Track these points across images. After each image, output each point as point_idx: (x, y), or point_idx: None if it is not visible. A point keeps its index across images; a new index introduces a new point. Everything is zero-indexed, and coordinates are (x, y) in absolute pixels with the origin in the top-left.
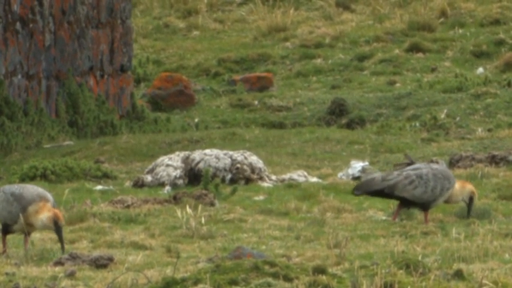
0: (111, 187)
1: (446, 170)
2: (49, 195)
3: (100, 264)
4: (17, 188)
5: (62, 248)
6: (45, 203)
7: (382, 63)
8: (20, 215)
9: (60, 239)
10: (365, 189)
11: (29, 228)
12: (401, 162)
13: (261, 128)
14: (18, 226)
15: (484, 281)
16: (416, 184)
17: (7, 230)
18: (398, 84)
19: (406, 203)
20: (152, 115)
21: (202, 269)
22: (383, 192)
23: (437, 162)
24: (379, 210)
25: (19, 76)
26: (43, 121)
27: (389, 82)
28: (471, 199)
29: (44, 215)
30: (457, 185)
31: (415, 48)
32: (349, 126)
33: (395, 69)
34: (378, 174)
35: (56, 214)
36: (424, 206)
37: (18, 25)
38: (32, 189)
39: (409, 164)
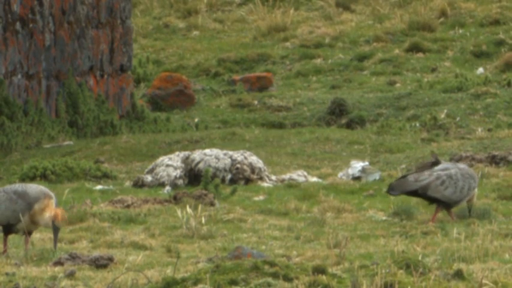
0: (111, 187)
1: (471, 169)
2: (51, 193)
3: (100, 264)
4: (19, 186)
5: (54, 245)
6: (49, 200)
7: (382, 63)
8: (25, 212)
9: (55, 238)
10: (401, 189)
11: (32, 227)
12: (426, 161)
13: (260, 128)
14: (22, 225)
15: (484, 281)
16: (447, 184)
17: (10, 230)
18: (398, 84)
19: (434, 202)
20: (152, 115)
21: (202, 269)
22: (417, 193)
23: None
24: (379, 211)
25: (19, 76)
26: (43, 121)
27: (389, 82)
28: None
29: (50, 213)
30: None
31: (415, 48)
32: (349, 126)
33: (396, 69)
34: (411, 176)
35: (56, 214)
36: (451, 205)
37: (18, 25)
38: (34, 186)
39: (434, 164)
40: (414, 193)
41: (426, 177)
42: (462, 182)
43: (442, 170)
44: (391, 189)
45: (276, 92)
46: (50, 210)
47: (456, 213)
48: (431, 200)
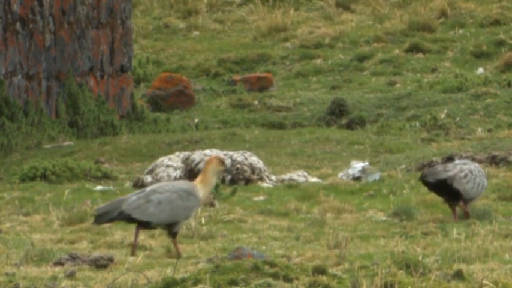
0: (111, 187)
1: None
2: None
3: (100, 264)
4: (178, 184)
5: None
6: (196, 181)
7: (382, 64)
8: (195, 207)
9: (227, 171)
10: (433, 177)
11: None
12: (443, 157)
13: (261, 128)
14: (186, 221)
15: (484, 282)
16: (469, 179)
17: (149, 228)
18: (398, 85)
19: (452, 196)
20: (152, 115)
21: (202, 269)
22: (445, 182)
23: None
24: (379, 211)
25: (19, 76)
26: (43, 121)
27: (389, 82)
28: None
29: (211, 170)
30: None
31: (415, 49)
32: (349, 126)
33: (396, 69)
34: (438, 165)
35: (215, 158)
36: (466, 200)
37: (18, 25)
38: (183, 181)
39: (449, 159)
40: (444, 183)
41: (451, 168)
42: (479, 178)
43: (463, 164)
44: (425, 177)
45: (276, 92)
46: (206, 174)
47: (457, 214)
48: (451, 193)
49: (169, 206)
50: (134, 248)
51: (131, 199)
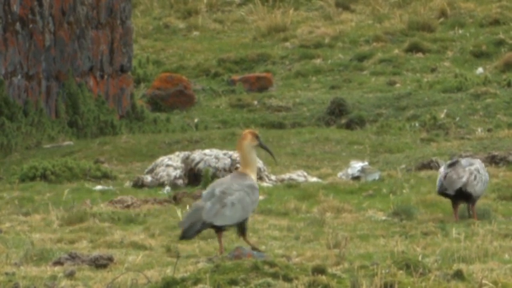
0: (111, 187)
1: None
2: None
3: (100, 264)
4: (239, 179)
5: (274, 157)
6: (241, 168)
7: (382, 63)
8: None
9: (267, 150)
10: (452, 187)
11: None
12: (449, 163)
13: (260, 128)
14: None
15: (484, 281)
16: (478, 180)
17: (245, 226)
18: (398, 85)
19: (462, 199)
20: (152, 115)
21: (202, 269)
22: (461, 190)
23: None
24: (378, 211)
25: (19, 76)
26: (43, 121)
27: (389, 82)
28: None
29: (246, 145)
30: None
31: (414, 48)
32: (349, 126)
33: (395, 69)
34: (451, 173)
35: (249, 133)
36: (475, 200)
37: (18, 25)
38: (235, 175)
39: (453, 163)
40: (459, 190)
41: (463, 174)
42: (484, 176)
43: (470, 165)
44: (445, 189)
45: (275, 92)
46: (243, 151)
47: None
48: (465, 197)
49: (241, 205)
50: (221, 248)
51: (207, 207)
